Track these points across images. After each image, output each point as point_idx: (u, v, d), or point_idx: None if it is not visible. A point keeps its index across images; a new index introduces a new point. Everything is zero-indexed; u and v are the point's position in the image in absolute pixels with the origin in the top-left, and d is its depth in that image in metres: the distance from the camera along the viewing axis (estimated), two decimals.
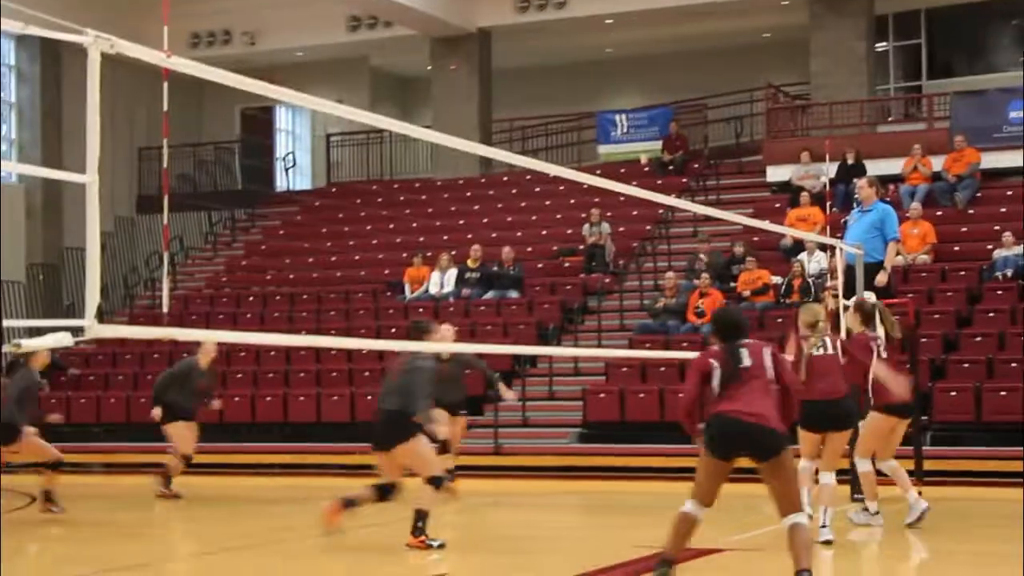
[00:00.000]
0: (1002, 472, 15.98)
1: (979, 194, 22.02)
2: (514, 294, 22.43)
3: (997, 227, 20.38)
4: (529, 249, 23.67)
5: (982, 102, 23.33)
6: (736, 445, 7.65)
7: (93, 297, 5.68)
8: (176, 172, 29.43)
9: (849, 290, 14.46)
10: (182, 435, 15.26)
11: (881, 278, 15.20)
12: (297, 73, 29.25)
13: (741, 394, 7.62)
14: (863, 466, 11.56)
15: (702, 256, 21.61)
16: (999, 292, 19.21)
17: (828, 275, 18.07)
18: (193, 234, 28.49)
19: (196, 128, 30.75)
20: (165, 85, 7.81)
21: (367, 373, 20.55)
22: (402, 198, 27.67)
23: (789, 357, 9.79)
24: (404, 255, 24.21)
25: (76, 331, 5.83)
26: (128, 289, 26.58)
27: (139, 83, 26.58)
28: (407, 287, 23.37)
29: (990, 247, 20.04)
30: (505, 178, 27.54)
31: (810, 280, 20.05)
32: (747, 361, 7.72)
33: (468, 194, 27.17)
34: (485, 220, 25.43)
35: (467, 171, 27.80)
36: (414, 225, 25.97)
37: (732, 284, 20.77)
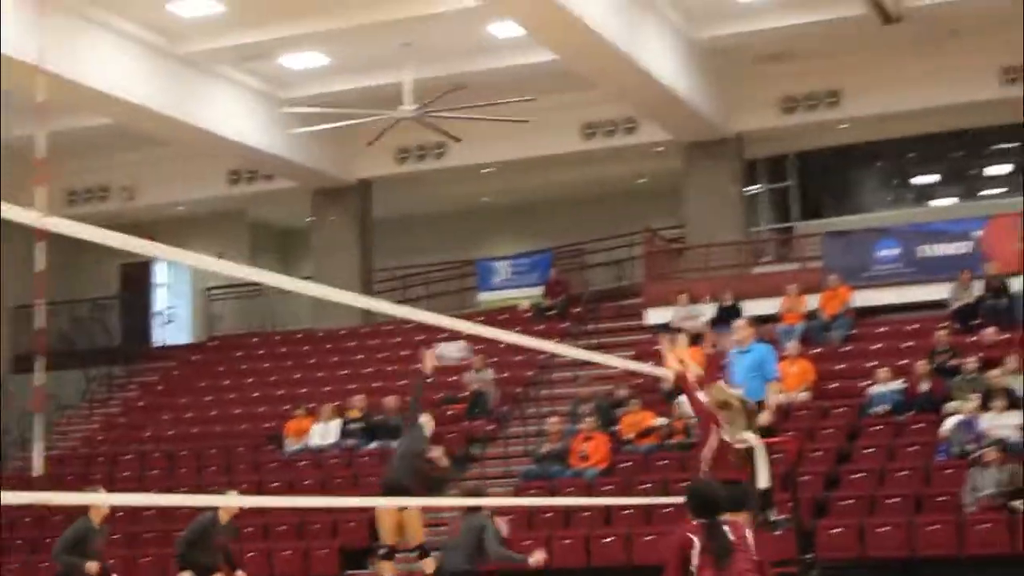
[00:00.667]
0: None
1: (854, 331, 22.43)
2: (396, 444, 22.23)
3: (873, 364, 20.73)
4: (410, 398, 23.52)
5: (851, 242, 23.89)
6: None
7: None
8: (52, 330, 28.94)
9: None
10: None
11: (765, 418, 15.35)
12: (177, 226, 29.13)
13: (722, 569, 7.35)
14: None
15: (584, 400, 21.67)
16: (877, 428, 19.46)
17: None
18: (69, 392, 27.95)
19: (73, 284, 30.36)
20: (39, 245, 7.72)
21: (249, 528, 20.16)
22: (284, 350, 27.49)
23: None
24: (286, 408, 23.97)
25: None
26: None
27: (13, 243, 26.22)
28: (287, 440, 23.08)
29: (866, 384, 20.35)
30: (388, 327, 27.50)
31: (691, 421, 20.15)
32: (732, 537, 7.46)
33: (351, 344, 27.07)
34: (368, 370, 25.32)
35: (349, 321, 27.72)
36: (296, 377, 25.76)
37: (615, 427, 20.81)
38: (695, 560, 7.33)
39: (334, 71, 24.51)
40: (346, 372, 25.41)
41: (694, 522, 7.56)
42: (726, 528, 7.46)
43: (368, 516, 19.98)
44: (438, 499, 16.18)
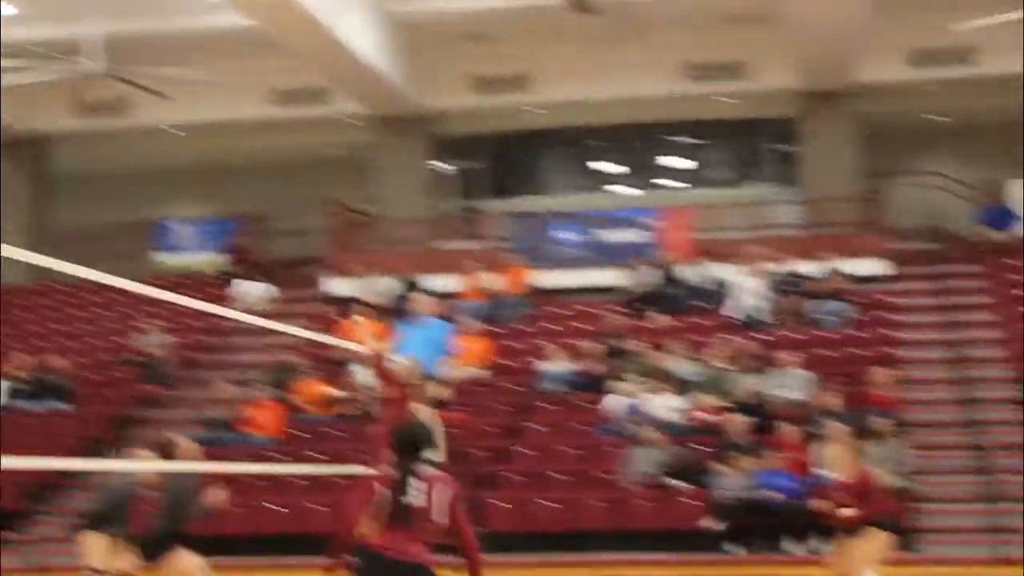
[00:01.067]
0: None
1: (532, 311, 22.87)
2: (62, 405, 21.56)
3: (547, 343, 21.18)
4: (83, 360, 22.86)
5: (535, 224, 24.39)
6: None
7: None
8: None
9: None
10: None
11: (439, 391, 15.55)
12: None
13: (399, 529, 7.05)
14: None
15: (260, 368, 21.46)
16: (548, 406, 19.90)
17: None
18: None
19: None
20: None
21: None
22: None
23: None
24: None
25: None
26: None
27: None
28: None
29: (540, 362, 20.78)
30: (61, 287, 26.56)
31: (365, 391, 20.20)
32: (414, 495, 7.09)
33: (19, 302, 26.04)
34: (39, 329, 24.44)
35: (19, 278, 26.65)
36: None
37: (288, 396, 20.65)
38: (374, 513, 7.04)
39: (20, 21, 23.44)
40: (14, 332, 24.43)
41: (387, 471, 7.25)
42: (419, 482, 7.11)
43: (21, 478, 19.32)
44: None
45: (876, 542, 11.41)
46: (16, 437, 19.74)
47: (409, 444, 7.25)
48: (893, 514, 12.77)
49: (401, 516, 6.99)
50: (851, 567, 11.50)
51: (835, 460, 12.61)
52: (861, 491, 11.51)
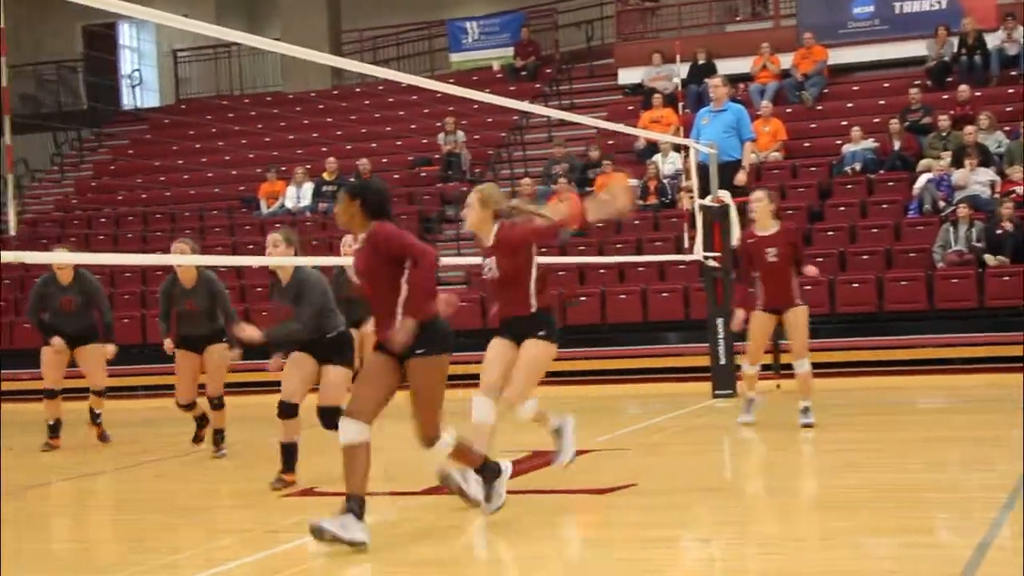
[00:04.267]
0: (855, 361, 16.39)
1: (827, 90, 22.33)
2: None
3: (845, 122, 20.72)
4: (385, 160, 23.48)
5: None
6: None
7: None
8: (17, 92, 28.56)
9: (704, 190, 14.67)
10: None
11: (741, 177, 15.41)
12: None
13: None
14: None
15: (558, 161, 21.64)
16: (849, 186, 19.56)
17: (683, 175, 18.23)
18: (39, 156, 27.75)
19: (35, 46, 29.83)
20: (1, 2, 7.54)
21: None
22: (253, 113, 27.22)
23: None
24: (258, 170, 23.86)
25: None
26: None
27: None
28: (262, 203, 23.09)
29: (839, 142, 20.37)
30: (358, 89, 27.23)
31: (665, 181, 20.23)
32: None
33: (320, 107, 26.80)
34: (339, 132, 25.12)
35: (319, 84, 27.44)
36: (267, 140, 25.57)
37: (589, 188, 20.83)
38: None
39: None
40: (316, 135, 25.21)
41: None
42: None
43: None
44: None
45: None
46: (329, 237, 20.58)
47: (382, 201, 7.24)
48: None
49: None
50: None
51: None
52: None
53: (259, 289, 20.60)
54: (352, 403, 7.10)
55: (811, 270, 11.51)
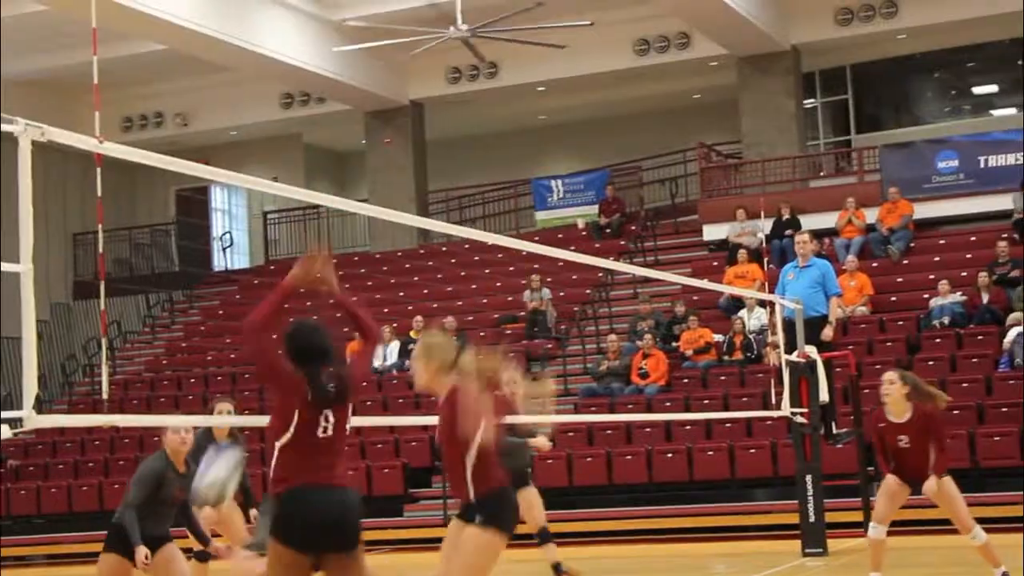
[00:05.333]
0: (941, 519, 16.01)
1: (913, 244, 22.26)
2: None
3: (932, 276, 20.60)
4: (470, 318, 23.65)
5: (911, 154, 23.64)
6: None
7: (31, 387, 5.61)
8: (112, 256, 29.24)
9: (790, 345, 14.59)
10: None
11: (828, 332, 15.34)
12: (231, 152, 29.23)
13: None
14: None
15: (644, 317, 21.67)
16: (937, 340, 19.36)
17: (768, 331, 18.16)
18: (131, 318, 28.25)
19: (130, 211, 30.59)
20: (98, 171, 7.77)
21: None
22: (341, 273, 27.48)
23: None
24: (345, 330, 24.03)
25: (14, 422, 5.77)
26: (66, 376, 26.30)
27: (72, 169, 26.54)
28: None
29: (926, 296, 20.23)
30: (444, 248, 27.54)
31: (751, 337, 20.16)
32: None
33: (407, 266, 27.13)
34: (425, 291, 25.40)
35: (405, 243, 27.81)
36: (353, 299, 25.82)
37: (675, 344, 20.82)
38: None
39: None
40: (403, 294, 25.49)
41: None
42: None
43: (429, 434, 20.18)
44: None
45: None
46: (415, 395, 20.64)
47: (314, 351, 6.57)
48: None
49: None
50: None
51: None
52: None
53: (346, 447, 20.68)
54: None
55: (929, 487, 10.25)
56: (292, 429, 6.16)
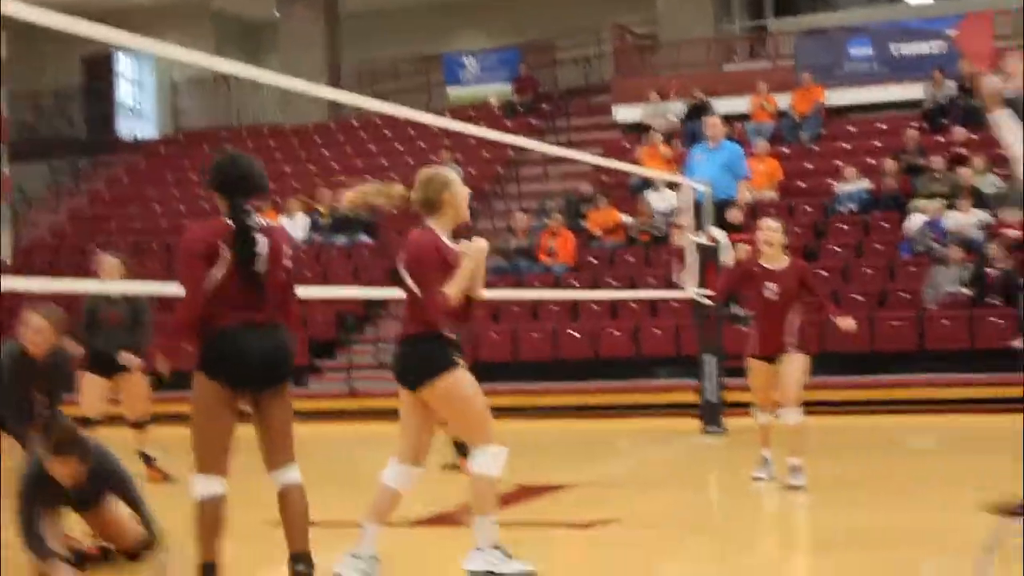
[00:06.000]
0: (846, 401, 16.35)
1: (823, 131, 22.40)
2: (366, 239, 22.30)
3: (840, 163, 20.77)
4: None
5: (825, 40, 23.72)
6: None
7: None
8: (16, 120, 28.65)
9: (698, 226, 14.71)
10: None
11: (735, 215, 15.44)
12: (138, 19, 28.60)
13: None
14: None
15: (552, 197, 21.69)
16: (843, 226, 19.59)
17: (676, 213, 18.25)
18: (35, 183, 27.78)
19: (36, 76, 29.90)
20: (2, 33, 7.56)
21: None
22: (251, 144, 27.28)
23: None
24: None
25: None
26: None
27: None
28: None
29: (834, 182, 20.42)
30: (355, 123, 27.30)
31: (659, 218, 20.26)
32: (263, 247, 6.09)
33: (318, 139, 26.89)
34: (336, 165, 25.20)
35: (316, 116, 27.52)
36: None
37: (583, 224, 20.87)
38: (218, 268, 6.02)
39: None
40: (313, 167, 25.29)
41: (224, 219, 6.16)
42: (258, 229, 6.09)
43: (335, 308, 20.19)
44: None
45: None
46: (323, 270, 20.62)
47: (240, 182, 6.21)
48: None
49: (248, 257, 6.08)
50: None
51: None
52: None
53: None
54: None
55: (847, 324, 9.93)
56: (218, 269, 6.02)
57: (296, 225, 22.64)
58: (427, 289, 6.53)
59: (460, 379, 6.58)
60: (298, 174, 25.02)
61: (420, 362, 6.61)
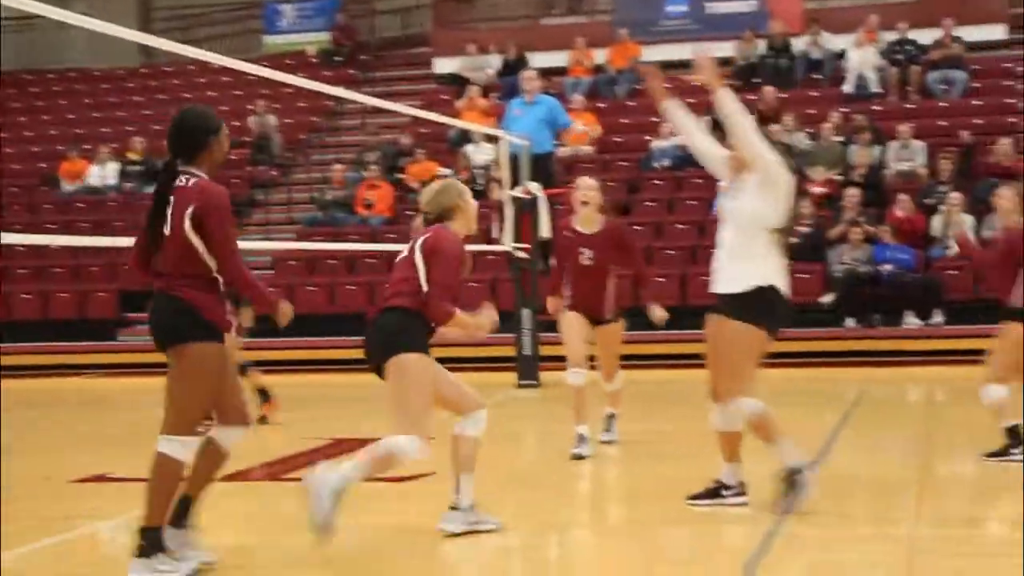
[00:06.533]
0: (657, 354, 16.57)
1: (639, 87, 22.62)
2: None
3: (656, 119, 20.99)
4: None
5: None
6: None
7: None
8: None
9: (515, 181, 14.74)
10: None
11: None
12: None
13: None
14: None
15: (370, 149, 21.53)
16: (657, 182, 19.84)
17: (494, 166, 18.28)
18: None
19: None
20: None
21: (23, 271, 19.80)
22: (58, 88, 26.52)
23: None
24: (61, 148, 23.22)
25: None
26: None
27: None
28: (63, 181, 22.48)
29: (649, 139, 20.64)
30: (168, 68, 26.70)
31: (476, 171, 20.25)
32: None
33: (129, 85, 26.23)
34: (147, 112, 24.63)
35: (127, 61, 26.81)
36: (71, 117, 24.93)
37: (400, 176, 20.77)
38: None
39: None
40: (123, 114, 24.67)
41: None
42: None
43: None
44: None
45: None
46: (132, 219, 20.15)
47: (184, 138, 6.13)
48: None
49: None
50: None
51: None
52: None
53: (57, 270, 20.12)
54: None
55: (659, 316, 9.89)
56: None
57: (106, 172, 22.12)
58: (436, 285, 6.81)
59: (425, 365, 6.84)
60: (107, 120, 24.38)
61: (393, 335, 6.84)
